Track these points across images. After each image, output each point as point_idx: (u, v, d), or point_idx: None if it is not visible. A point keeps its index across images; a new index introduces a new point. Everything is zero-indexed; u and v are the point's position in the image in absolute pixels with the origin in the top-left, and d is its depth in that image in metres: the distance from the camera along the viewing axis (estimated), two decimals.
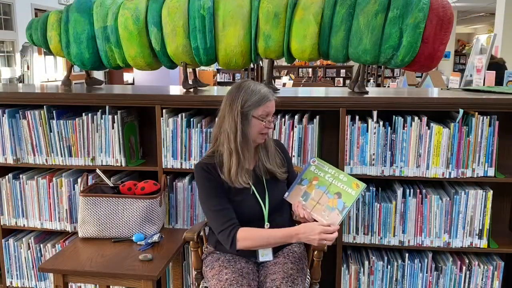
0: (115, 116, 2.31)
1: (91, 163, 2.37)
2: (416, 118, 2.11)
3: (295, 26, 2.16)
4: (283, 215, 1.86)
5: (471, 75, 4.48)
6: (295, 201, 1.80)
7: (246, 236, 1.69)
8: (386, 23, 2.05)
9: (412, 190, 2.17)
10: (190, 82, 2.52)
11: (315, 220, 1.73)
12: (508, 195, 2.37)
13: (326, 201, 1.74)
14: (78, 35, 2.39)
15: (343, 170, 2.13)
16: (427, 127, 2.11)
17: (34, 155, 2.40)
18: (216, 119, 1.84)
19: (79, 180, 2.34)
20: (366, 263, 2.26)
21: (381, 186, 2.31)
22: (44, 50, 2.57)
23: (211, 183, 1.76)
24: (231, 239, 1.68)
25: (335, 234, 1.63)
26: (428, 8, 2.01)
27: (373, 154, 2.15)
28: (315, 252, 1.84)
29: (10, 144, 2.39)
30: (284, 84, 8.36)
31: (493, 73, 4.29)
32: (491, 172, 2.11)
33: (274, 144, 1.89)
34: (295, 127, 2.21)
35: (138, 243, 2.09)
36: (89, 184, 2.29)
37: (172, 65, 2.45)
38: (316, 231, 1.61)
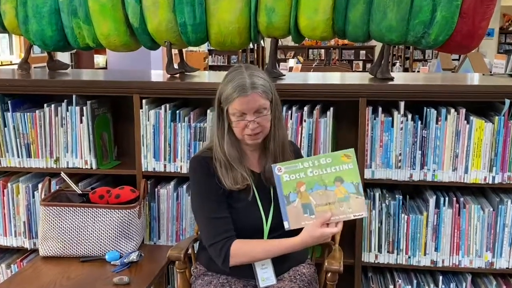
0: (84, 108, 2.31)
1: (54, 165, 2.37)
2: (452, 110, 2.11)
3: None
4: (288, 233, 1.87)
5: None
6: (302, 223, 1.71)
7: (241, 250, 1.70)
8: None
9: (447, 199, 2.17)
10: (176, 66, 2.52)
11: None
12: None
13: (333, 196, 1.71)
14: (39, 8, 2.38)
15: (363, 174, 2.13)
16: (465, 122, 2.10)
17: None
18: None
19: (39, 186, 2.34)
20: (391, 287, 2.26)
21: (409, 193, 2.31)
22: None
23: (210, 182, 1.76)
24: (223, 254, 1.69)
25: (336, 227, 1.67)
26: None
27: (400, 154, 2.15)
28: (329, 275, 1.84)
29: None
30: (290, 69, 8.35)
31: None
32: None
33: (290, 147, 1.90)
34: (304, 121, 2.20)
35: (112, 263, 2.09)
36: (52, 191, 2.29)
37: (153, 45, 2.44)
38: (317, 233, 1.66)
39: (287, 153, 1.86)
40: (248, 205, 1.77)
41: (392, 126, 2.14)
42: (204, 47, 12.18)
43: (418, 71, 8.50)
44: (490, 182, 2.13)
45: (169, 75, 2.49)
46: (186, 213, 2.33)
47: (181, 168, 2.28)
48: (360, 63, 13.84)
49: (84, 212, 2.14)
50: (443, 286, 2.23)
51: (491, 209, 2.15)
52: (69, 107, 2.32)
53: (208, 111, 2.24)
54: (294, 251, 1.73)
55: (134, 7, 2.28)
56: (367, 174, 2.18)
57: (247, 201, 1.77)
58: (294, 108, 2.24)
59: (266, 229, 1.78)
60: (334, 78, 2.67)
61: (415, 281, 2.27)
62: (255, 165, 1.85)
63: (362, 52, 13.91)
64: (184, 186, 2.34)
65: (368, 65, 13.22)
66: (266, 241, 1.76)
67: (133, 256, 2.09)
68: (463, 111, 2.11)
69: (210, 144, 1.87)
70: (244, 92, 1.70)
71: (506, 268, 2.18)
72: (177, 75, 2.50)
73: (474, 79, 2.59)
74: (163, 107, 2.27)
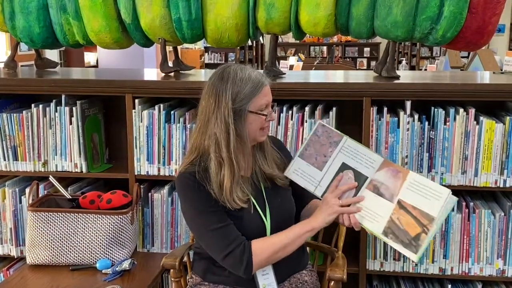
0: (74, 108, 2.31)
1: (42, 169, 2.37)
2: (461, 110, 2.11)
3: None
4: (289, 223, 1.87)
5: None
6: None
7: (263, 245, 1.69)
8: None
9: (456, 203, 2.18)
10: (170, 64, 2.52)
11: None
12: None
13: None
14: (26, 3, 2.38)
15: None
16: (475, 122, 2.11)
17: None
18: (196, 122, 1.80)
19: (27, 190, 2.34)
20: None
21: None
22: None
23: (203, 195, 1.74)
24: (246, 257, 1.67)
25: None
26: None
27: (406, 156, 2.15)
28: (332, 283, 1.85)
29: None
30: (291, 67, 8.36)
31: None
32: None
33: (270, 142, 1.89)
34: (306, 122, 2.21)
35: (103, 271, 2.09)
36: (40, 195, 2.29)
37: (146, 42, 2.45)
38: (333, 203, 1.70)
39: (270, 146, 1.88)
40: (246, 212, 1.77)
41: (398, 127, 2.14)
42: (200, 44, 12.20)
43: (425, 69, 8.51)
44: (501, 186, 2.13)
45: (163, 74, 2.49)
46: (181, 219, 2.33)
47: (176, 172, 2.28)
48: (364, 60, 13.85)
49: (74, 218, 2.14)
50: None
51: (502, 214, 2.15)
52: (58, 108, 2.32)
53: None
54: (313, 231, 1.73)
55: (126, 2, 2.28)
56: None
57: (245, 207, 1.76)
58: (295, 108, 2.24)
59: (268, 232, 1.78)
60: (337, 76, 2.68)
61: None
62: (245, 169, 1.83)
63: (367, 49, 13.93)
64: None
65: (373, 63, 13.23)
66: (282, 231, 1.75)
67: (126, 264, 2.09)
68: (472, 111, 2.11)
69: (192, 159, 1.79)
70: (263, 82, 1.73)
71: None
72: (172, 74, 2.50)
73: (484, 77, 2.59)
74: (157, 107, 2.27)
